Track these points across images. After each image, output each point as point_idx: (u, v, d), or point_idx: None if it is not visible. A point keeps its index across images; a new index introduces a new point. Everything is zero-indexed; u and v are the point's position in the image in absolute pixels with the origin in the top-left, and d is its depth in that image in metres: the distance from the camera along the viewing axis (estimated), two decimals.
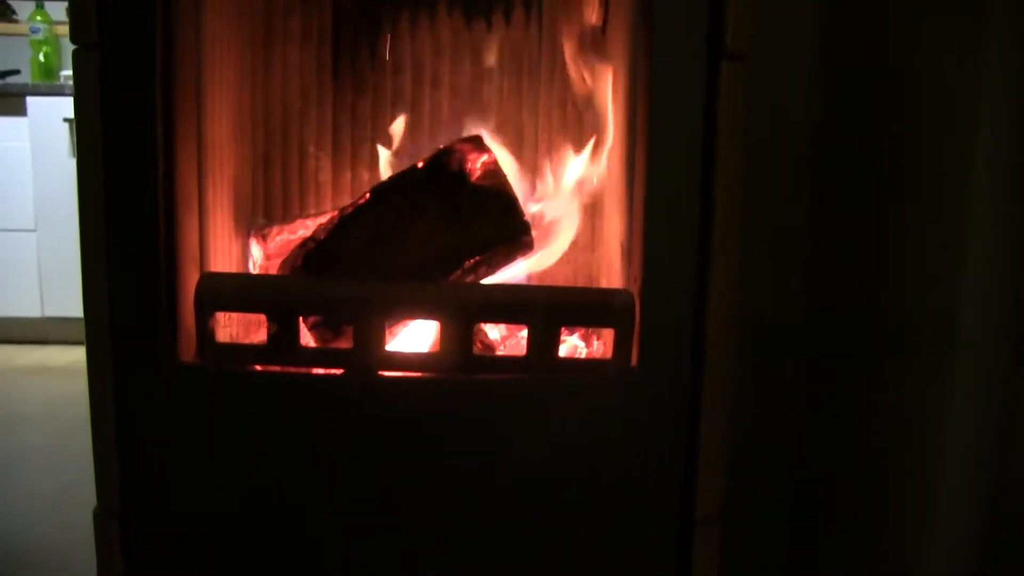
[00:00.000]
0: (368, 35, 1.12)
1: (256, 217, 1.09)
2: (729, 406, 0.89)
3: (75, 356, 2.76)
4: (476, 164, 0.96)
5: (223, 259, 0.98)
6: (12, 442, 2.19)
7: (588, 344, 1.08)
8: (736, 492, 1.02)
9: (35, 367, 2.69)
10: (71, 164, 2.75)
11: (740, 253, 0.87)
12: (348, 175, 1.14)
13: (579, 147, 1.08)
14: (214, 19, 0.95)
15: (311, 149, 1.13)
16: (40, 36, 3.03)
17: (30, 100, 2.80)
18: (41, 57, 3.03)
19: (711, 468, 0.88)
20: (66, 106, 2.78)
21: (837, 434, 1.11)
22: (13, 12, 3.09)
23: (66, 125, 2.78)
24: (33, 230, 2.81)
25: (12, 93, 2.80)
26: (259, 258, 1.02)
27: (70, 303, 2.79)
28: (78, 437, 2.19)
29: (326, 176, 1.14)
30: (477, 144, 0.97)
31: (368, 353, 0.84)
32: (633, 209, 0.90)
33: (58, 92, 2.80)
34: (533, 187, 1.07)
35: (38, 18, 3.01)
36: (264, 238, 1.02)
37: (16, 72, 3.01)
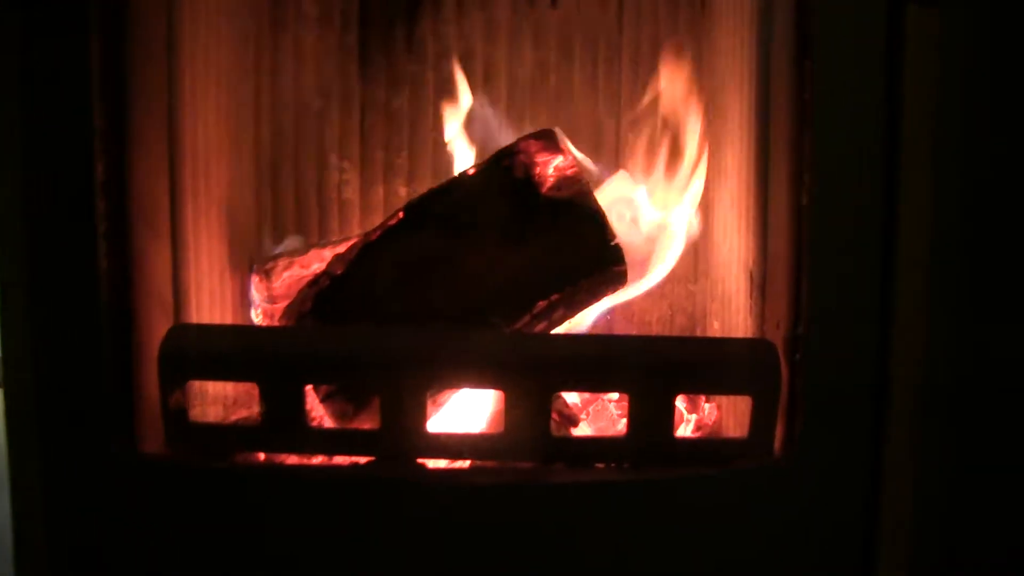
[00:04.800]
0: (404, 14, 0.97)
1: (259, 248, 0.91)
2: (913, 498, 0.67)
3: None
4: (548, 169, 0.74)
5: (210, 305, 0.80)
6: None
7: (695, 411, 0.84)
8: None
9: None
10: None
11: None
12: (380, 191, 0.98)
13: (676, 151, 0.87)
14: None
15: (332, 158, 0.98)
16: None
17: None
18: None
19: None
20: None
21: None
22: None
23: None
24: None
25: None
26: (262, 302, 0.85)
27: None
28: None
29: (352, 193, 0.98)
30: (548, 142, 0.75)
31: (402, 434, 0.66)
32: (769, 226, 0.70)
33: None
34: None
35: None
36: (267, 275, 0.85)
37: None
